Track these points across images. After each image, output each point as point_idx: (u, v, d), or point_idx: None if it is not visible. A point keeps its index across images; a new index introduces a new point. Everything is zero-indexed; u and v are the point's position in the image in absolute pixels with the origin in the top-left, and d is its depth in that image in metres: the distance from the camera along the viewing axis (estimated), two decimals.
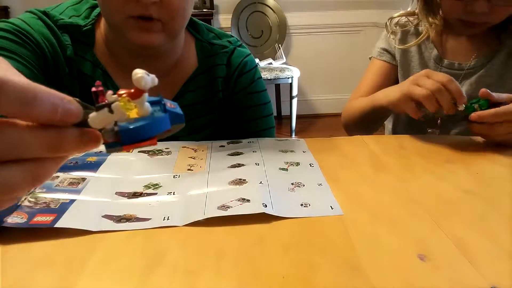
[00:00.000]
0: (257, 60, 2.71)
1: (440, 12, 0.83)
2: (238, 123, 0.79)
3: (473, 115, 0.62)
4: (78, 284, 0.34)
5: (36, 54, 0.63)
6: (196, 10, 2.72)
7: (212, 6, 2.91)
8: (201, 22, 0.78)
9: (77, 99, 0.24)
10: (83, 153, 0.59)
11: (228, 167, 0.57)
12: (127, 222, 0.43)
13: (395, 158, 0.62)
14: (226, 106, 0.78)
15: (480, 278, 0.35)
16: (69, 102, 0.23)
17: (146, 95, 0.25)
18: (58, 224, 0.41)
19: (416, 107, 0.66)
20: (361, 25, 3.14)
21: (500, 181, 0.55)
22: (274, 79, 2.60)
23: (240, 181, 0.52)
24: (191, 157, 0.60)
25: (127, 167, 0.56)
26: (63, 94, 0.23)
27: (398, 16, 0.93)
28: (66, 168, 0.54)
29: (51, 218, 0.42)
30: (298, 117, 2.89)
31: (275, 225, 0.43)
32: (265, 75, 2.55)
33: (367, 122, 0.88)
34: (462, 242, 0.40)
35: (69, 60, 0.66)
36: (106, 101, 0.24)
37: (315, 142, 0.68)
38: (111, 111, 0.23)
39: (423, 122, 0.87)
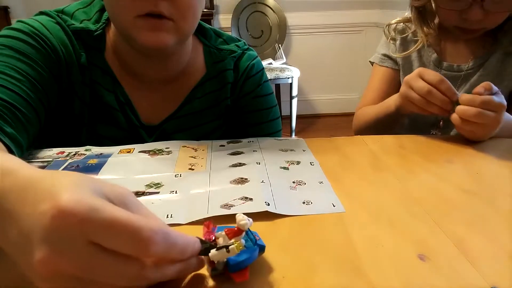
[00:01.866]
0: None
1: (436, 20, 0.85)
2: (245, 127, 0.78)
3: (465, 99, 0.63)
4: None
5: (51, 59, 0.61)
6: None
7: (212, 6, 2.91)
8: (208, 26, 0.77)
9: (198, 238, 0.33)
10: (84, 157, 0.59)
11: (229, 166, 0.57)
12: None
13: (395, 158, 0.62)
14: (231, 109, 0.77)
15: (480, 278, 0.35)
16: (194, 245, 0.31)
17: (244, 233, 0.34)
18: None
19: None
20: (362, 25, 3.15)
21: (500, 181, 0.55)
22: (274, 79, 2.60)
23: (241, 180, 0.52)
24: (191, 157, 0.60)
25: (128, 167, 0.56)
26: (190, 238, 0.31)
27: (396, 22, 0.94)
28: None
29: None
30: (298, 117, 2.89)
31: (275, 224, 0.43)
32: None
33: (381, 128, 0.88)
34: (462, 242, 0.40)
35: (82, 68, 0.65)
36: (213, 237, 0.34)
37: (315, 142, 0.68)
38: (228, 251, 0.32)
39: (426, 124, 0.88)
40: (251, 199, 0.47)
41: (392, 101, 0.78)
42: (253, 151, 0.63)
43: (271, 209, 0.44)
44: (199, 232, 0.36)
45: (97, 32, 0.66)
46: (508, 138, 0.70)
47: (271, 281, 0.34)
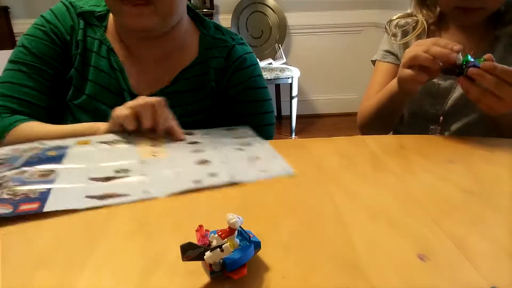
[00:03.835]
0: None
1: (437, 9, 0.84)
2: (236, 117, 0.81)
3: (486, 64, 0.63)
4: (78, 284, 0.34)
5: (57, 49, 0.75)
6: (196, 10, 2.73)
7: (212, 6, 2.91)
8: (211, 20, 0.83)
9: (192, 243, 0.32)
10: (42, 150, 0.59)
11: (190, 152, 0.61)
12: (111, 199, 0.45)
13: (395, 158, 0.62)
14: (221, 96, 0.80)
15: (480, 278, 0.35)
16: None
17: (236, 232, 0.35)
18: (46, 209, 0.42)
19: (418, 72, 0.68)
20: (361, 25, 3.15)
21: (500, 181, 0.55)
22: (274, 79, 2.61)
23: (204, 161, 0.57)
24: (151, 145, 0.62)
25: (90, 157, 0.57)
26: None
27: (397, 18, 0.94)
28: (29, 163, 0.54)
29: (36, 205, 0.43)
30: (298, 117, 2.89)
31: (275, 224, 0.43)
32: (265, 75, 2.55)
33: (384, 116, 0.88)
34: (462, 242, 0.40)
35: (78, 43, 0.75)
36: (208, 241, 0.35)
37: (315, 142, 0.68)
38: (222, 250, 0.33)
39: (426, 119, 0.88)
40: (216, 174, 0.53)
41: (395, 82, 0.78)
42: (209, 141, 0.66)
43: (237, 180, 0.51)
44: (193, 235, 0.36)
45: (100, 13, 0.77)
46: (508, 139, 0.70)
47: (271, 281, 0.34)
